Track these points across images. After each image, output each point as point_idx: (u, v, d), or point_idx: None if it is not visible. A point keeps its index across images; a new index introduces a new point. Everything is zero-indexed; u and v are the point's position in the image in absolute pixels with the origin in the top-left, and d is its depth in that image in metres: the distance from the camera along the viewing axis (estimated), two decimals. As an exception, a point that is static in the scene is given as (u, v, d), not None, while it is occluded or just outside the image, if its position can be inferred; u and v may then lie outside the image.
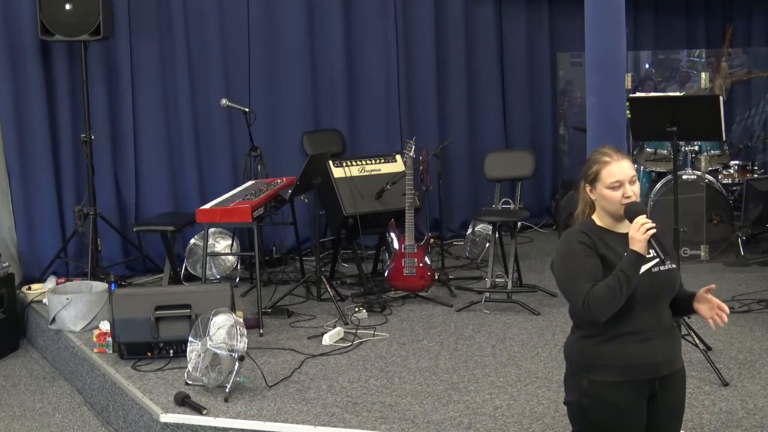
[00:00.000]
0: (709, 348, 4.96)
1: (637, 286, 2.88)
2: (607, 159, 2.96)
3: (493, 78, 8.54)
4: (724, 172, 7.50)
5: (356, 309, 5.95)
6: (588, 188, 3.03)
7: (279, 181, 6.54)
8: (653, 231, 2.85)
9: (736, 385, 4.56)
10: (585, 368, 2.98)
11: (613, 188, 2.95)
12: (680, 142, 6.67)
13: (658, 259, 2.92)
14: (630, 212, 2.93)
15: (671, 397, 3.01)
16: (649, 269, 2.93)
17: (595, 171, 2.99)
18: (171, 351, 5.18)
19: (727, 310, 2.96)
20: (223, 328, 4.69)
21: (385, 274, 6.31)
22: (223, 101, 6.78)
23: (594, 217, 3.06)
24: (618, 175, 2.95)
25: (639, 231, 2.86)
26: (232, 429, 4.32)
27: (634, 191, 2.96)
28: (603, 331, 2.94)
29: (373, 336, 5.54)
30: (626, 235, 2.92)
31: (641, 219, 2.88)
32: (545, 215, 8.75)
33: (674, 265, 2.98)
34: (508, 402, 4.45)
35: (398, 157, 6.92)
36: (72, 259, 6.87)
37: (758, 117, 8.49)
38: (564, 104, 8.54)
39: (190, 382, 4.77)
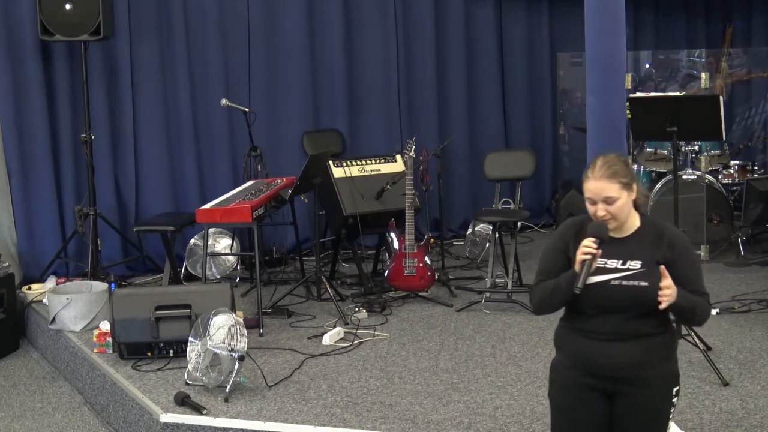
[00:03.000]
0: (709, 348, 4.97)
1: (589, 294, 2.97)
2: (589, 174, 3.00)
3: (493, 78, 8.55)
4: (724, 172, 7.50)
5: (356, 309, 5.95)
6: None
7: (279, 181, 6.54)
8: (586, 257, 2.92)
9: (736, 385, 4.56)
10: (556, 346, 3.19)
11: (588, 202, 3.03)
12: (680, 142, 6.67)
13: (622, 273, 2.96)
14: (589, 230, 2.99)
15: (639, 402, 3.03)
16: (608, 280, 2.98)
17: (584, 178, 3.05)
18: (171, 351, 5.18)
19: (666, 289, 2.92)
20: (223, 328, 4.69)
21: (385, 274, 6.31)
22: (223, 101, 6.78)
23: None
24: (589, 192, 3.01)
25: (579, 251, 2.95)
26: (232, 429, 4.32)
27: (609, 210, 2.97)
28: (568, 320, 3.12)
29: (373, 336, 5.54)
30: (618, 241, 3.01)
31: (587, 241, 2.95)
32: (545, 215, 8.75)
33: (643, 284, 2.95)
34: (508, 402, 4.45)
35: (398, 157, 6.92)
36: (72, 259, 6.87)
37: (758, 117, 8.49)
38: (564, 104, 8.54)
39: (190, 382, 4.77)
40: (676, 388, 3.10)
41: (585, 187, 3.02)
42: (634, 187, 3.02)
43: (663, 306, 2.90)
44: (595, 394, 3.06)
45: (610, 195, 2.96)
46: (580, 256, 2.94)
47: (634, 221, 3.06)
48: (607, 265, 2.99)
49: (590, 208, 3.02)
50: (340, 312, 5.82)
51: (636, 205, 3.07)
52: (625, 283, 2.97)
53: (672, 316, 3.07)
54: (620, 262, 2.99)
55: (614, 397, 3.06)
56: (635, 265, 2.97)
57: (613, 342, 2.99)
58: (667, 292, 2.90)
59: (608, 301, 2.98)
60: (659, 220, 3.13)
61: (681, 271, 2.98)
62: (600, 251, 2.95)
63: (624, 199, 2.98)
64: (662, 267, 2.92)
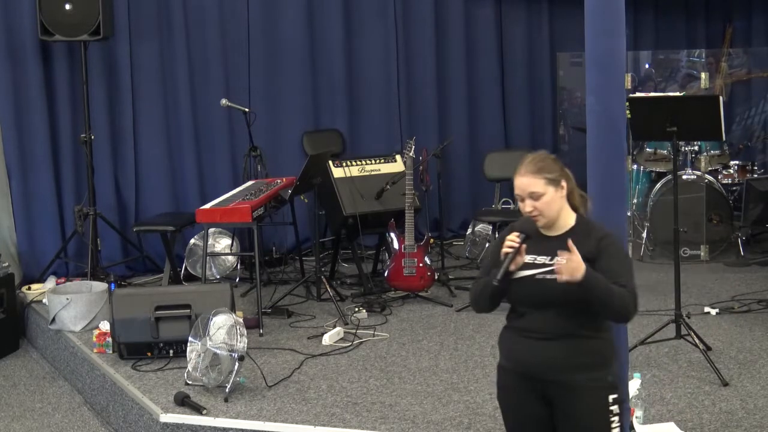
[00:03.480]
0: (709, 348, 4.96)
1: (519, 289, 3.03)
2: (517, 170, 3.06)
3: (493, 78, 8.54)
4: (724, 172, 7.50)
5: (356, 309, 5.95)
6: None
7: (279, 181, 6.53)
8: (508, 251, 2.98)
9: (736, 385, 4.56)
10: (498, 346, 3.22)
11: (517, 198, 3.08)
12: (680, 142, 6.66)
13: (548, 268, 2.97)
14: (516, 226, 3.07)
15: (565, 409, 3.01)
16: (533, 275, 3.01)
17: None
18: (171, 351, 5.18)
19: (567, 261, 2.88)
20: (223, 328, 4.69)
21: (385, 274, 6.31)
22: (223, 101, 6.78)
23: None
24: (516, 188, 3.07)
25: (503, 244, 3.01)
26: (232, 429, 4.32)
27: (536, 206, 3.02)
28: (508, 320, 3.15)
29: (373, 336, 5.54)
30: (550, 239, 3.04)
31: (511, 236, 3.01)
32: (545, 215, 8.73)
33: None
34: (508, 402, 4.44)
35: (398, 157, 6.92)
36: (72, 259, 6.87)
37: (758, 117, 8.49)
38: (564, 104, 8.53)
39: (190, 382, 4.77)
40: (613, 397, 3.01)
41: (514, 184, 3.07)
42: (563, 184, 3.04)
43: (560, 279, 2.87)
44: (533, 397, 3.06)
45: (535, 190, 3.00)
46: (502, 250, 3.01)
47: (568, 220, 3.08)
48: (536, 261, 3.02)
49: (520, 205, 3.07)
50: (340, 312, 5.82)
51: (575, 206, 3.09)
52: (548, 277, 2.97)
53: (610, 322, 3.06)
54: (548, 258, 2.99)
55: (551, 402, 3.04)
56: (561, 261, 2.95)
57: (541, 341, 3.00)
58: (565, 263, 2.85)
59: (535, 296, 3.01)
60: (594, 221, 3.13)
61: (606, 263, 2.96)
62: (524, 246, 2.99)
63: (551, 195, 3.01)
64: (569, 241, 2.91)
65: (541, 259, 3.02)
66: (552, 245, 3.00)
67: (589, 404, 3.00)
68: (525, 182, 3.03)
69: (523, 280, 3.02)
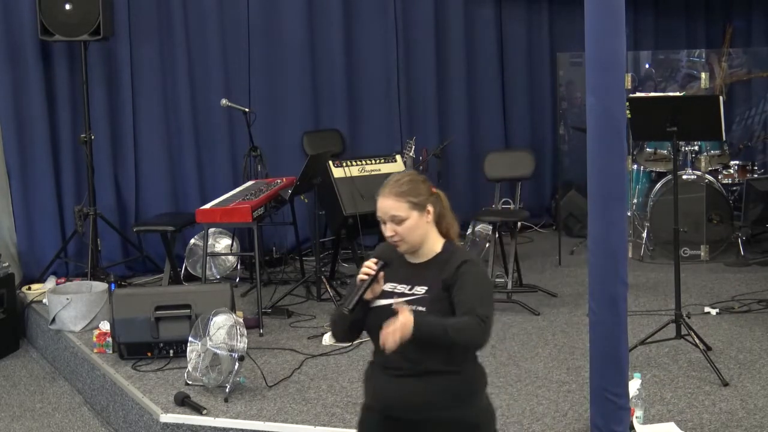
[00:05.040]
0: (709, 348, 4.96)
1: (376, 320, 2.80)
2: (380, 190, 2.87)
3: (493, 78, 8.55)
4: (724, 172, 7.50)
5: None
6: None
7: (279, 181, 6.54)
8: (363, 278, 2.80)
9: (736, 385, 4.55)
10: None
11: (379, 220, 2.88)
12: (680, 142, 6.67)
13: (405, 298, 2.80)
14: (375, 251, 2.90)
15: None
16: (390, 305, 2.79)
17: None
18: (171, 351, 5.18)
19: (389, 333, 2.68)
20: (223, 328, 4.69)
21: (385, 274, 6.29)
22: (223, 101, 6.78)
23: None
24: (378, 210, 2.87)
25: (362, 269, 2.83)
26: (232, 429, 4.32)
27: (398, 231, 2.83)
28: (372, 354, 2.96)
29: (373, 336, 5.54)
30: (414, 266, 2.88)
31: (368, 262, 2.83)
32: (545, 215, 8.75)
33: (422, 309, 2.77)
34: (508, 402, 4.45)
35: (398, 157, 6.92)
36: (72, 259, 6.87)
37: (758, 117, 8.49)
38: (564, 104, 8.54)
39: (190, 382, 4.77)
40: None
41: (377, 205, 2.87)
42: (429, 208, 2.85)
43: (387, 350, 2.66)
44: None
45: (397, 214, 2.81)
46: (358, 276, 2.82)
47: (435, 246, 2.88)
48: (395, 290, 2.85)
49: (382, 228, 2.86)
50: (340, 312, 5.81)
51: (447, 234, 2.91)
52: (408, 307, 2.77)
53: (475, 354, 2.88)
54: (408, 287, 2.84)
55: None
56: (420, 290, 2.82)
57: (402, 377, 2.80)
58: (389, 336, 2.63)
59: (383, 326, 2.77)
60: (461, 249, 2.95)
61: (459, 290, 2.77)
62: (382, 273, 2.81)
63: (414, 219, 2.82)
64: (398, 304, 2.73)
65: (401, 288, 2.84)
66: (413, 273, 2.85)
67: None
68: (387, 205, 2.83)
69: (380, 310, 2.80)
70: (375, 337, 2.84)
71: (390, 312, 2.74)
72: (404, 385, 2.81)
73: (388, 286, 2.85)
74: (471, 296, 2.77)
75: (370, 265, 2.82)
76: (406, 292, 2.83)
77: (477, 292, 2.79)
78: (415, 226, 2.83)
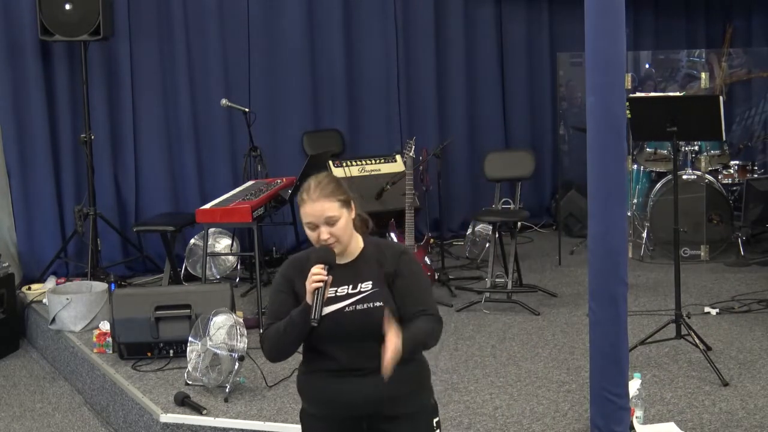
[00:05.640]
0: (709, 348, 4.96)
1: (325, 328, 2.77)
2: (305, 197, 2.82)
3: (493, 78, 8.54)
4: (724, 172, 7.50)
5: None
6: None
7: (279, 181, 6.54)
8: (318, 285, 2.75)
9: (736, 385, 4.55)
10: (299, 394, 2.99)
11: (309, 228, 2.84)
12: (680, 142, 6.67)
13: (354, 298, 2.80)
14: (315, 259, 2.82)
15: None
16: (342, 308, 2.81)
17: (299, 206, 2.87)
18: (171, 351, 5.18)
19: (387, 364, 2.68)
20: (223, 328, 4.69)
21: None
22: (223, 101, 6.78)
23: None
24: (309, 216, 2.81)
25: (308, 280, 2.77)
26: (232, 429, 4.32)
27: (333, 233, 2.80)
28: (307, 364, 2.92)
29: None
30: (345, 266, 2.85)
31: (315, 269, 2.77)
32: (545, 215, 8.75)
33: (378, 304, 2.81)
34: (508, 402, 4.45)
35: (398, 157, 6.92)
36: (72, 259, 6.87)
37: (758, 117, 8.49)
38: (564, 104, 8.54)
39: (190, 382, 4.77)
40: (435, 420, 2.97)
41: (303, 213, 2.82)
42: (352, 205, 2.88)
43: (386, 373, 2.65)
44: None
45: (331, 214, 2.79)
46: (311, 285, 2.76)
47: (358, 243, 2.91)
48: (338, 293, 2.83)
49: (312, 235, 2.83)
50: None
51: (356, 227, 2.91)
52: (359, 307, 2.80)
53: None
54: (350, 287, 2.83)
55: None
56: (366, 286, 2.83)
57: (359, 377, 2.80)
58: (389, 366, 2.65)
59: (346, 330, 2.79)
60: (380, 239, 3.03)
61: (407, 285, 2.84)
62: (330, 277, 2.78)
63: (345, 218, 2.83)
64: (386, 314, 2.72)
65: (342, 290, 2.83)
66: (349, 272, 2.85)
67: (417, 429, 2.90)
68: (319, 207, 2.79)
69: (330, 316, 2.79)
70: (327, 343, 2.82)
71: (340, 316, 2.78)
72: (368, 383, 2.79)
73: (329, 292, 2.81)
74: (422, 292, 2.88)
75: (318, 271, 2.76)
76: (351, 292, 2.83)
77: (424, 287, 2.92)
78: (346, 225, 2.84)
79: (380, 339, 2.69)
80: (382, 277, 2.85)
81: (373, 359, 2.71)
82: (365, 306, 2.81)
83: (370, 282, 2.84)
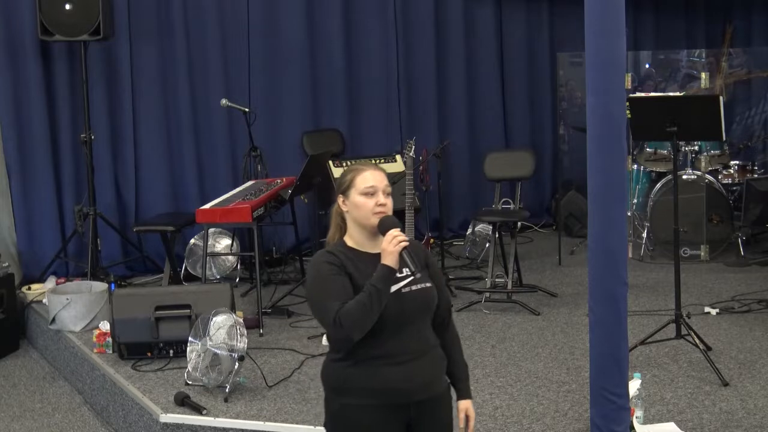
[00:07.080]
0: (709, 348, 4.97)
1: (388, 306, 2.76)
2: (360, 167, 2.91)
3: (493, 78, 8.55)
4: (724, 172, 7.50)
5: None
6: (341, 199, 2.93)
7: (279, 181, 6.54)
8: (405, 244, 2.76)
9: (736, 385, 4.55)
10: (336, 391, 2.88)
11: (366, 194, 2.84)
12: (680, 142, 6.67)
13: (409, 279, 2.83)
14: (383, 225, 2.82)
15: (433, 423, 2.90)
16: (399, 290, 2.81)
17: (349, 179, 2.90)
18: (171, 351, 5.18)
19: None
20: (223, 328, 4.69)
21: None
22: (223, 101, 6.78)
23: (345, 238, 2.97)
24: (372, 180, 2.86)
25: (391, 243, 2.76)
26: (232, 429, 4.32)
27: (388, 204, 2.86)
28: (352, 355, 2.81)
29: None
30: (377, 255, 2.80)
31: (394, 231, 2.78)
32: (545, 215, 8.75)
33: (429, 284, 2.88)
34: (508, 402, 4.45)
35: (398, 157, 6.92)
36: (72, 259, 6.87)
37: (758, 117, 8.49)
38: (564, 104, 8.54)
39: (190, 382, 4.77)
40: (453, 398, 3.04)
41: (362, 178, 2.86)
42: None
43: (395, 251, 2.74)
44: (398, 428, 2.85)
45: (389, 187, 2.88)
46: (397, 246, 2.75)
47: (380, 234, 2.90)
48: (398, 275, 2.82)
49: (366, 203, 2.84)
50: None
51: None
52: (414, 288, 2.83)
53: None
54: (404, 270, 2.84)
55: (413, 424, 2.87)
56: (408, 271, 2.85)
57: (410, 361, 2.82)
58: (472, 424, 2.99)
59: (405, 311, 2.80)
60: None
61: (434, 271, 2.98)
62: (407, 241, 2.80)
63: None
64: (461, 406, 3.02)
65: (403, 272, 2.84)
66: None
67: (447, 412, 2.97)
68: (380, 175, 2.88)
69: (396, 295, 2.80)
70: (387, 328, 2.78)
71: (398, 297, 2.79)
72: (416, 367, 2.83)
73: None
74: (443, 285, 3.04)
75: (397, 233, 2.78)
76: (407, 273, 2.84)
77: (443, 280, 3.11)
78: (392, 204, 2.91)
79: (427, 323, 2.87)
80: (422, 263, 2.90)
81: (417, 343, 2.83)
82: (419, 287, 2.86)
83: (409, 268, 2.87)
